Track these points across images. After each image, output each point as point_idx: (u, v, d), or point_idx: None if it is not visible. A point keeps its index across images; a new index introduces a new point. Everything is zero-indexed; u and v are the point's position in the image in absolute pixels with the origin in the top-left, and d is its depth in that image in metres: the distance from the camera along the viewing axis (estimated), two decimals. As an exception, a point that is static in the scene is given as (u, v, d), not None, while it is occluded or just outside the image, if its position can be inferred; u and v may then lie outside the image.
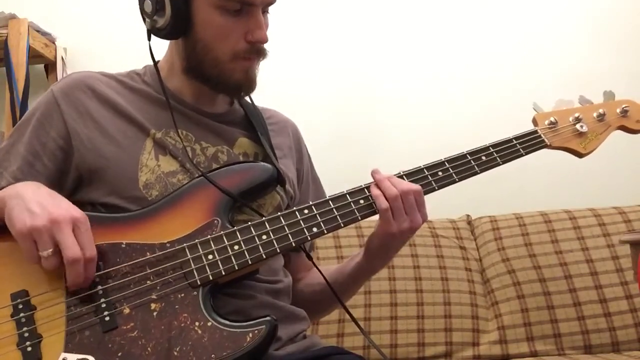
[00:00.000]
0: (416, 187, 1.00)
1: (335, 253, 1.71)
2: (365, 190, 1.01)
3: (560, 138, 1.15)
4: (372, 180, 1.02)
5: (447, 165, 1.05)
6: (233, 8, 0.99)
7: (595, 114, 1.18)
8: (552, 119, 1.16)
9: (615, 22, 2.17)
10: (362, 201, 1.00)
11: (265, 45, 1.04)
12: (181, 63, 1.07)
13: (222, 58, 1.02)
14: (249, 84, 1.06)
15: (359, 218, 1.00)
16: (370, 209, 1.00)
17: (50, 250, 0.83)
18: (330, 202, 0.99)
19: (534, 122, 1.18)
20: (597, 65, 2.12)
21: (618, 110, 1.19)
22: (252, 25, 1.01)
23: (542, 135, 1.13)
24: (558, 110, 1.18)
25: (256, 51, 1.03)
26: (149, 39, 1.06)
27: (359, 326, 1.04)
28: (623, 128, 1.20)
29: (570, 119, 1.17)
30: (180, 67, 1.07)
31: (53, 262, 0.84)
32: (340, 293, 1.10)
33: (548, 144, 1.13)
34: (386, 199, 0.98)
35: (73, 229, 0.85)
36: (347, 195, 1.00)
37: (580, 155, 1.16)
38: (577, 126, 1.16)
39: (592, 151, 1.16)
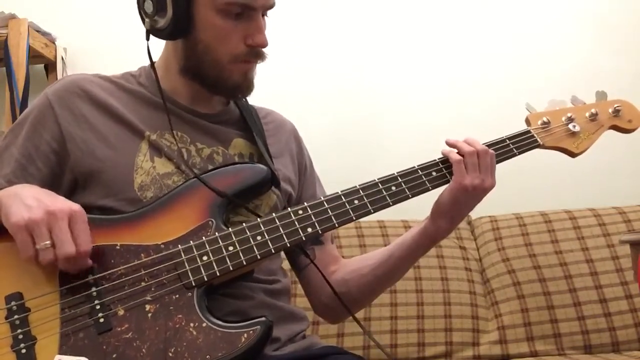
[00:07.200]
0: (492, 151, 1.06)
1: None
2: (360, 190, 1.01)
3: (553, 138, 1.16)
4: (370, 181, 1.02)
5: (441, 166, 1.07)
6: (234, 11, 0.99)
7: (587, 114, 1.19)
8: (544, 119, 1.17)
9: (617, 22, 2.17)
10: (356, 201, 1.00)
11: (265, 49, 1.04)
12: (178, 63, 1.06)
13: (221, 60, 1.02)
14: (247, 86, 1.06)
15: (354, 218, 1.00)
16: (365, 208, 1.00)
17: (48, 242, 0.83)
18: (325, 202, 0.99)
19: (527, 122, 1.19)
20: (598, 66, 2.11)
21: (610, 110, 1.20)
22: (253, 29, 1.01)
23: (534, 135, 1.15)
24: (551, 111, 1.20)
25: (255, 54, 1.03)
26: (148, 39, 1.06)
27: (359, 324, 1.04)
28: (615, 128, 1.21)
29: (563, 118, 1.18)
30: (177, 68, 1.07)
31: (50, 255, 0.83)
32: (397, 268, 1.12)
33: (541, 143, 1.14)
34: (461, 154, 1.04)
35: (69, 222, 0.84)
36: (342, 196, 1.01)
37: (572, 155, 1.18)
38: (570, 126, 1.17)
39: (584, 151, 1.17)
